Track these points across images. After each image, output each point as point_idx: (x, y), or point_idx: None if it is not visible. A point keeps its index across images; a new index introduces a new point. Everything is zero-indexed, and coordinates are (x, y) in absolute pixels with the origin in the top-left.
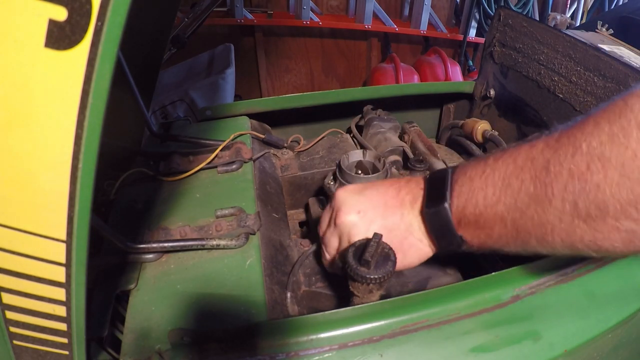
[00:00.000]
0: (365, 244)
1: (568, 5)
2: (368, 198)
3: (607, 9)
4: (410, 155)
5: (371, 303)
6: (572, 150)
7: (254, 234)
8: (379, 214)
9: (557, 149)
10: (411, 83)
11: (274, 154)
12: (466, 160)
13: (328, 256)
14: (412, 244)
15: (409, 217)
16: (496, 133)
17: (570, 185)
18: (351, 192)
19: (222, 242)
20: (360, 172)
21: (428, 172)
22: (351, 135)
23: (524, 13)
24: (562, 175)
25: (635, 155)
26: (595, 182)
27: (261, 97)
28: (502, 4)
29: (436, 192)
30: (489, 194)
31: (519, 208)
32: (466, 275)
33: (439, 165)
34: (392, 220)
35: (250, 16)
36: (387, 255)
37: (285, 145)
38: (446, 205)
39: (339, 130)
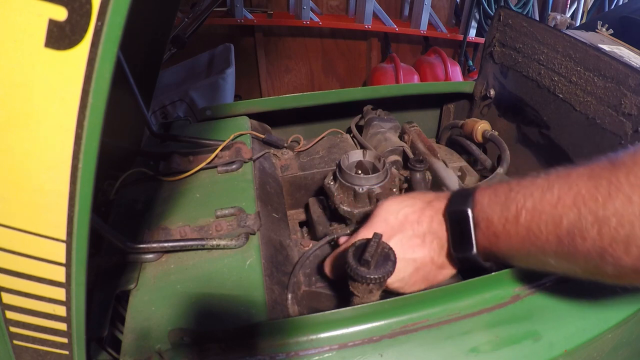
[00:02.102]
0: (365, 244)
1: (568, 5)
2: (399, 246)
3: (607, 9)
4: (410, 155)
5: (371, 303)
6: (595, 220)
7: (254, 234)
8: (409, 266)
9: (580, 217)
10: (411, 83)
11: (274, 154)
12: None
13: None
14: (441, 275)
15: (440, 260)
16: (496, 133)
17: (592, 259)
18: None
19: (222, 242)
20: (360, 172)
21: (429, 174)
22: (351, 135)
23: (524, 13)
24: (585, 245)
25: None
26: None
27: (261, 97)
28: (502, 4)
29: (460, 237)
30: (514, 242)
31: (542, 257)
32: (466, 275)
33: (439, 165)
34: (423, 262)
35: (250, 16)
36: (387, 255)
37: (285, 145)
38: (474, 252)
39: (339, 130)
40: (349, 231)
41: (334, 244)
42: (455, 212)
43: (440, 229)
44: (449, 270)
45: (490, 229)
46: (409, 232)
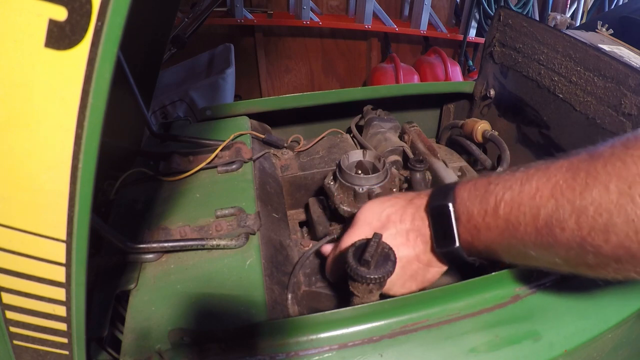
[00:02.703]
0: (365, 244)
1: (568, 5)
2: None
3: (607, 9)
4: (410, 155)
5: (371, 303)
6: (573, 210)
7: (254, 234)
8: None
9: (557, 207)
10: (411, 83)
11: (274, 154)
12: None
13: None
14: (429, 273)
15: (426, 257)
16: (496, 133)
17: (572, 249)
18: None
19: (222, 242)
20: (360, 172)
21: (429, 174)
22: (351, 135)
23: (524, 13)
24: (564, 235)
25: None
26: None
27: (261, 97)
28: (502, 4)
29: (443, 232)
30: (494, 235)
31: (522, 249)
32: (466, 275)
33: (439, 165)
34: (408, 260)
35: (250, 16)
36: (387, 255)
37: (285, 145)
38: (456, 245)
39: (339, 130)
40: (335, 236)
41: (317, 254)
42: (436, 207)
43: (423, 225)
44: (437, 268)
45: (470, 222)
46: (392, 231)
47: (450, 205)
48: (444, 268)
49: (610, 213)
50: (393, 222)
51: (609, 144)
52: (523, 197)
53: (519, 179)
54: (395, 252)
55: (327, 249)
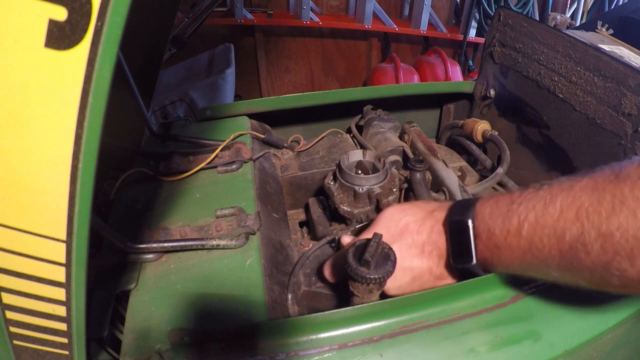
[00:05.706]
0: (365, 244)
1: (568, 5)
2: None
3: (607, 9)
4: (410, 155)
5: (371, 303)
6: (599, 235)
7: (254, 234)
8: (407, 275)
9: (583, 232)
10: (411, 83)
11: (274, 154)
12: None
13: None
14: (439, 285)
15: (439, 271)
16: (496, 133)
17: (597, 271)
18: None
19: (222, 242)
20: (360, 172)
21: (429, 174)
22: (351, 135)
23: (524, 13)
24: (589, 259)
25: None
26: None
27: (261, 97)
28: (502, 4)
29: (460, 248)
30: (515, 255)
31: (544, 269)
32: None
33: (439, 165)
34: (420, 272)
35: (250, 16)
36: (387, 255)
37: (285, 145)
38: (473, 262)
39: (339, 130)
40: (349, 232)
41: (336, 244)
42: (455, 222)
43: (439, 239)
44: (448, 281)
45: (491, 240)
46: (408, 241)
47: (470, 221)
48: (454, 281)
49: (637, 239)
50: (410, 232)
51: (636, 163)
52: (547, 218)
53: (542, 198)
54: (409, 263)
55: (347, 240)
